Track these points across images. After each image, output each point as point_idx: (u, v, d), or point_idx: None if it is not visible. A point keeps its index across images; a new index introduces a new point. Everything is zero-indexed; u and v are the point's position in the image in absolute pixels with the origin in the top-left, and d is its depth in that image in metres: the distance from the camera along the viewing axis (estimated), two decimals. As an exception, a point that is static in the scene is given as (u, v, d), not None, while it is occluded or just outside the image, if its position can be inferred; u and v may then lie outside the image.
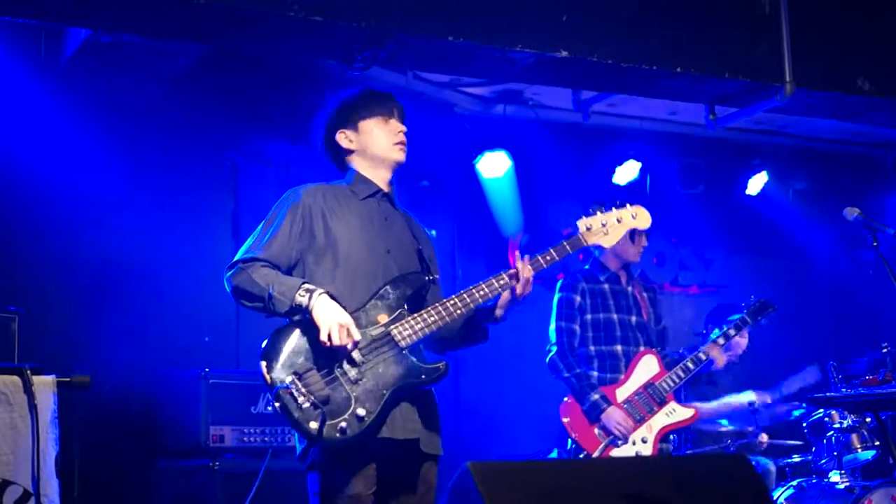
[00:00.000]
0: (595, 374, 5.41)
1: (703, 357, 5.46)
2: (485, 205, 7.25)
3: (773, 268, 8.19)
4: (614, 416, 5.26)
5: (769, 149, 7.99)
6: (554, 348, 5.46)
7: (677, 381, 5.41)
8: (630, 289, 5.62)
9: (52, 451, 3.71)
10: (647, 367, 5.44)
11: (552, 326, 5.50)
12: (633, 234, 5.43)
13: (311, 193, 3.74)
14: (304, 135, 6.31)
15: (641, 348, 5.49)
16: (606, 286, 5.55)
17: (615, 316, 5.51)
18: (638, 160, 7.39)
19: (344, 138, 3.84)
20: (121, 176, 6.02)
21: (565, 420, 5.37)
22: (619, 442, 5.27)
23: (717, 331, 5.64)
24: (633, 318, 5.55)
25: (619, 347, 5.47)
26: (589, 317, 5.49)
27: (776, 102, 5.62)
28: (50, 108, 5.61)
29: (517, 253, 3.82)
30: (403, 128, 3.84)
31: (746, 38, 5.50)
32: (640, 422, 5.32)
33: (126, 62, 5.53)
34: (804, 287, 8.20)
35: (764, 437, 6.18)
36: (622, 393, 5.37)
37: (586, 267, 5.67)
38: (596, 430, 5.29)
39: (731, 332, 5.60)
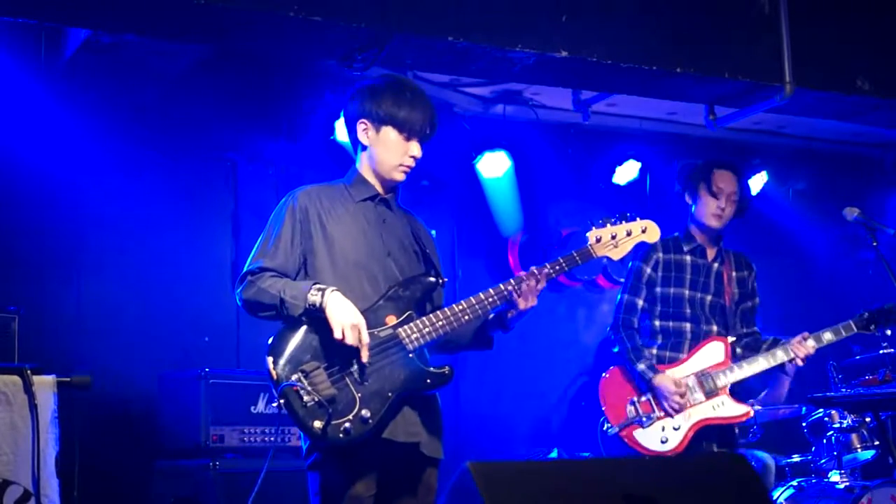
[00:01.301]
0: (655, 350, 5.10)
1: (783, 355, 4.97)
2: (485, 205, 7.24)
3: (773, 268, 8.16)
4: (666, 385, 4.90)
5: (769, 149, 7.98)
6: (611, 321, 5.21)
7: (739, 374, 4.98)
8: (716, 265, 5.21)
9: (52, 451, 3.71)
10: (710, 353, 5.05)
11: (617, 297, 5.23)
12: (710, 190, 5.11)
13: (306, 196, 3.71)
14: (304, 135, 6.35)
15: (714, 328, 5.12)
16: (688, 258, 5.18)
17: (686, 292, 5.14)
18: (638, 160, 7.37)
19: (362, 131, 3.72)
20: (121, 176, 6.03)
21: (603, 386, 5.08)
22: (645, 422, 4.94)
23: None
24: (709, 298, 5.15)
25: (687, 325, 5.12)
26: (659, 290, 5.15)
27: (776, 102, 5.62)
28: (50, 109, 5.60)
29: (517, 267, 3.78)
30: (419, 155, 3.69)
31: (746, 38, 5.50)
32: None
33: (126, 62, 5.53)
34: (804, 287, 8.19)
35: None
36: (675, 374, 5.01)
37: (676, 234, 5.26)
38: (627, 406, 4.99)
39: (828, 336, 5.00)
